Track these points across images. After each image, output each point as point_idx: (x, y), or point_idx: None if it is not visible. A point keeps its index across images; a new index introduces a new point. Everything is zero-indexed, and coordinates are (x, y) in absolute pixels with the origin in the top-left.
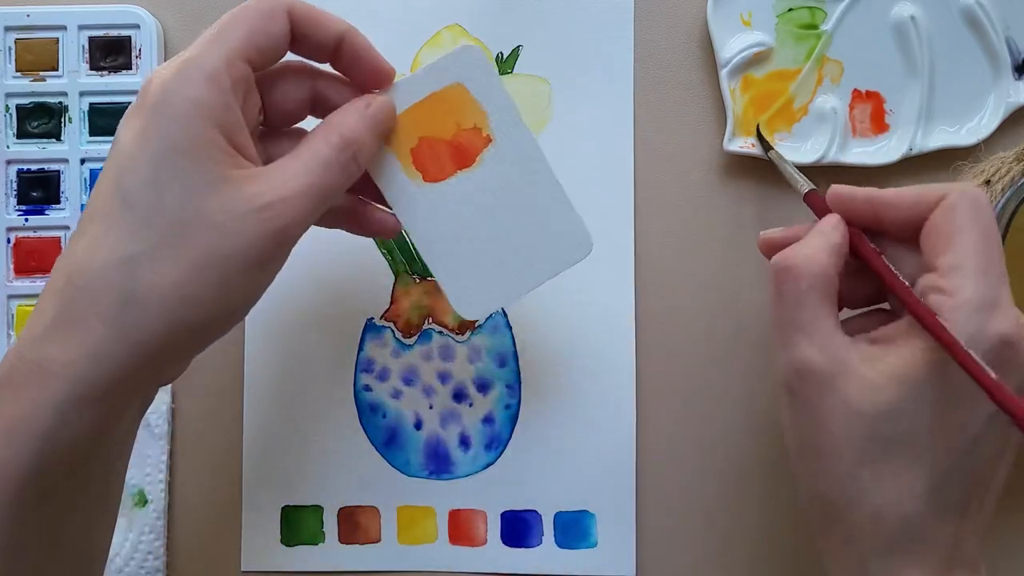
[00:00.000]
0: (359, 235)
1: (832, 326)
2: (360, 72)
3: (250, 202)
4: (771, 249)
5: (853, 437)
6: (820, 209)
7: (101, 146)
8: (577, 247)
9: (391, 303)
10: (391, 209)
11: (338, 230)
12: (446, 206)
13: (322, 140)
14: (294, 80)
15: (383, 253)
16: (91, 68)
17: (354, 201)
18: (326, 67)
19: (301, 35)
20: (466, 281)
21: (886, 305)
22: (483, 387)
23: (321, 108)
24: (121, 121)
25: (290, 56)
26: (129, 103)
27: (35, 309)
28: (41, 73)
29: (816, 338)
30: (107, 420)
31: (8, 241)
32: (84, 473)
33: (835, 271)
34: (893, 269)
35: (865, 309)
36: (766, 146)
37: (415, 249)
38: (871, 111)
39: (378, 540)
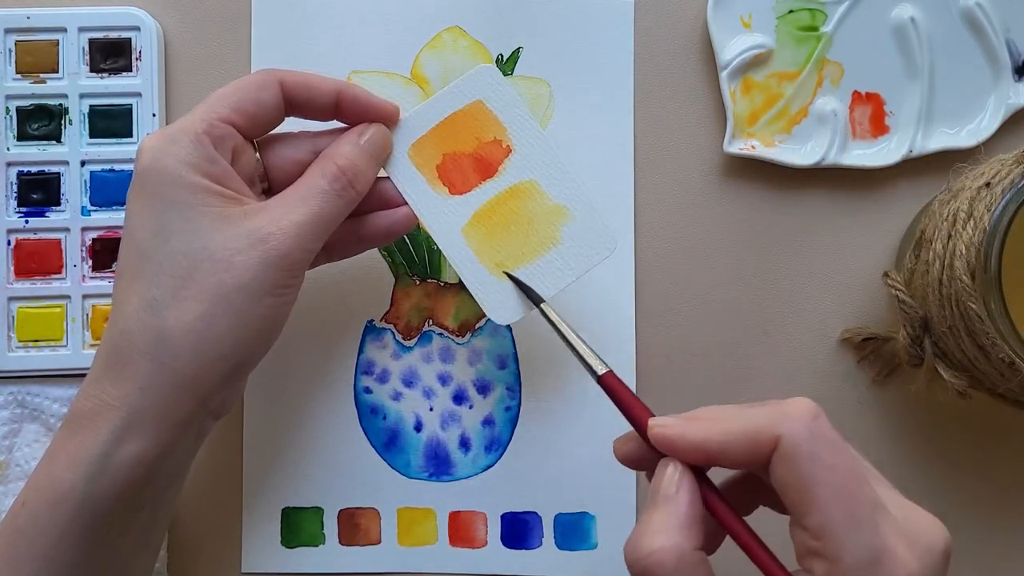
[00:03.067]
0: (377, 246)
1: None
2: (363, 119)
3: (251, 235)
4: (626, 459)
5: None
6: (624, 401)
7: (101, 148)
8: (601, 246)
9: (391, 305)
10: (422, 222)
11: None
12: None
13: (318, 171)
14: (293, 143)
15: (383, 255)
16: (91, 70)
17: (355, 223)
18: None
19: (297, 102)
20: (496, 287)
21: None
22: (483, 389)
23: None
24: (128, 192)
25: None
26: (129, 105)
27: (94, 357)
28: (41, 75)
29: None
30: (158, 449)
31: (8, 243)
32: (135, 500)
33: (695, 546)
34: (757, 538)
35: None
36: (535, 298)
37: (448, 260)
38: (871, 113)
39: (378, 542)
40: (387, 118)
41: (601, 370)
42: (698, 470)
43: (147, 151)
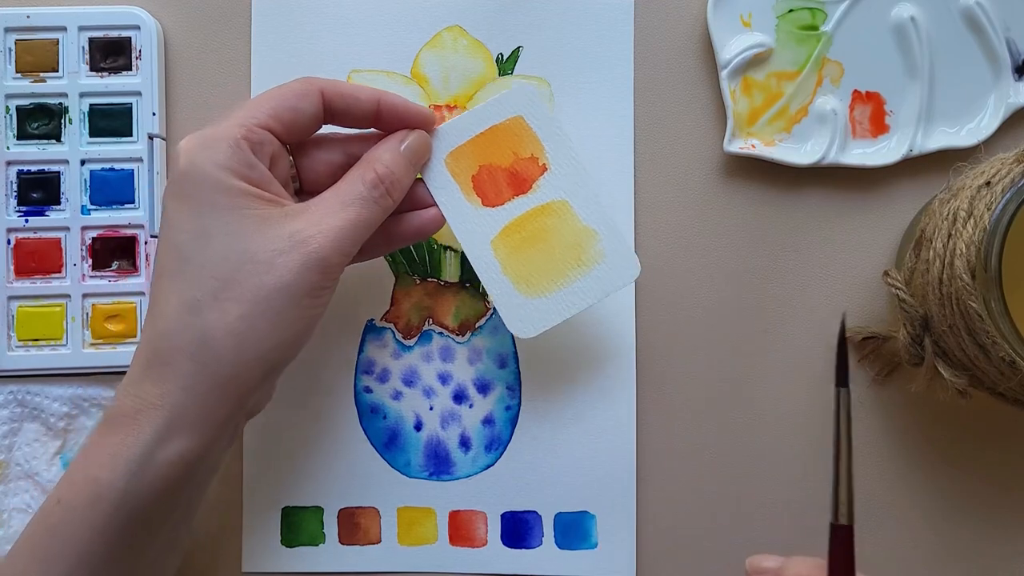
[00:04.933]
0: (405, 245)
1: None
2: (402, 127)
3: (292, 237)
4: None
5: None
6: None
7: (101, 147)
8: (625, 272)
9: (391, 304)
10: (453, 231)
11: None
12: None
13: (358, 177)
14: (325, 146)
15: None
16: (91, 69)
17: (386, 223)
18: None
19: (337, 111)
20: (519, 300)
21: None
22: (483, 388)
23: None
24: (164, 190)
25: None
26: (129, 104)
27: (132, 358)
28: (41, 74)
29: None
30: (198, 448)
31: (8, 242)
32: (172, 499)
33: None
34: None
35: None
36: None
37: (474, 269)
38: (871, 112)
39: (378, 541)
40: (425, 125)
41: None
42: None
43: (185, 154)
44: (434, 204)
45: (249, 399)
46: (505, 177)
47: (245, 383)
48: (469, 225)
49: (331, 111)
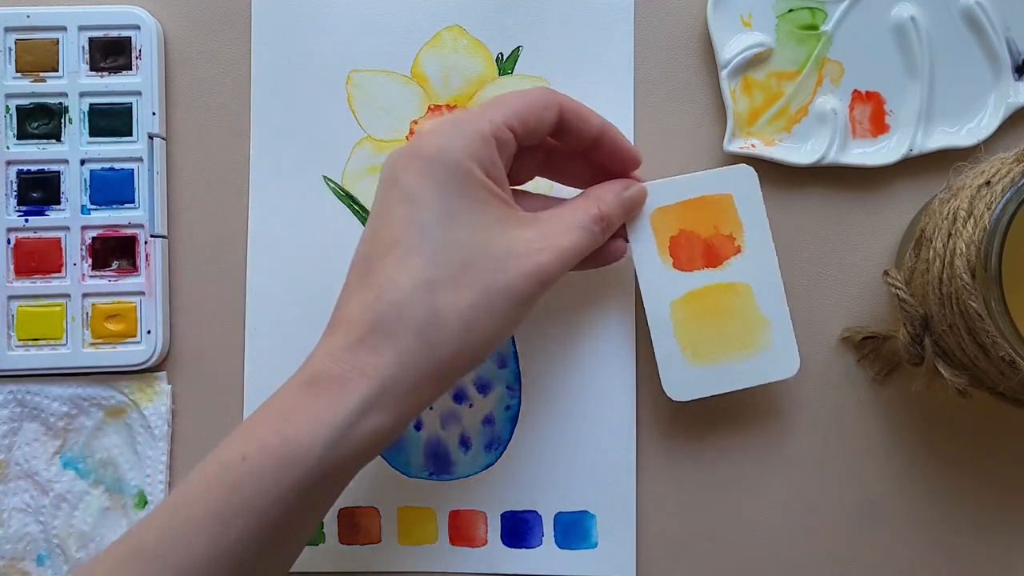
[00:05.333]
0: (580, 270)
1: None
2: (613, 160)
3: (527, 245)
4: None
5: None
6: None
7: (101, 146)
8: (785, 367)
9: None
10: (639, 281)
11: (338, 232)
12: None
13: (583, 209)
14: (533, 154)
15: None
16: (91, 69)
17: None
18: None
19: (567, 128)
20: (680, 365)
21: None
22: (483, 388)
23: (550, 172)
24: (392, 165)
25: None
26: (129, 104)
27: (340, 322)
28: (41, 74)
29: None
30: (396, 424)
31: (8, 242)
32: (354, 471)
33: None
34: None
35: None
36: None
37: (648, 323)
38: (871, 112)
39: (378, 541)
40: (634, 166)
41: None
42: None
43: (435, 136)
44: (622, 237)
45: (450, 387)
46: (701, 247)
47: (457, 370)
48: (656, 280)
49: (562, 127)
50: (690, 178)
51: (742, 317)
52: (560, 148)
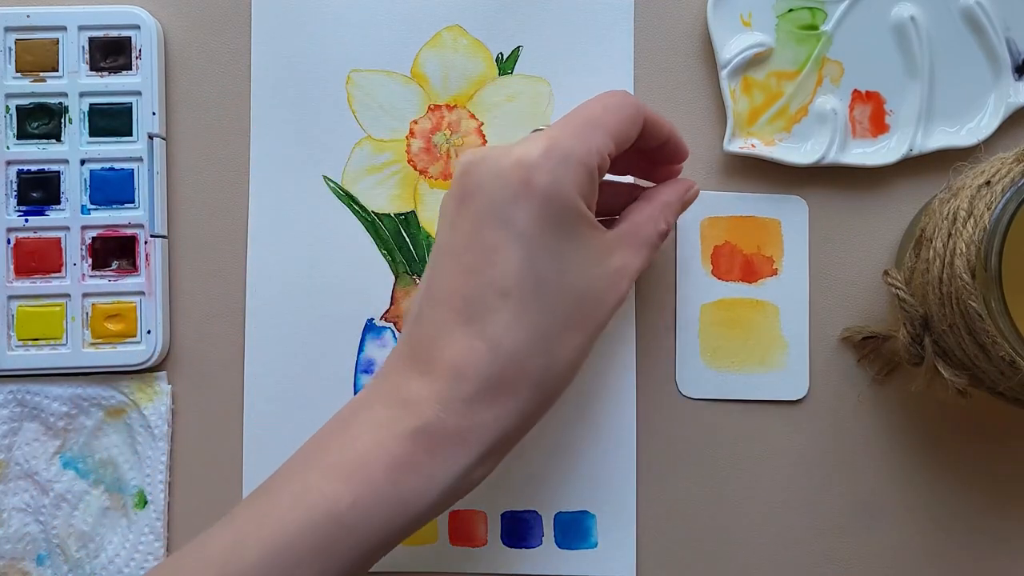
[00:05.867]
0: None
1: None
2: (669, 156)
3: (615, 274)
4: None
5: None
6: None
7: (101, 147)
8: (792, 389)
9: (391, 303)
10: (677, 280)
11: (338, 231)
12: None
13: (652, 223)
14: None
15: (383, 254)
16: (91, 69)
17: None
18: None
19: (643, 135)
20: (696, 365)
21: None
22: None
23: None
24: (500, 195)
25: None
26: (129, 103)
27: (447, 369)
28: (41, 74)
29: None
30: (494, 467)
31: (8, 242)
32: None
33: None
34: None
35: None
36: None
37: (676, 321)
38: (871, 112)
39: None
40: (683, 158)
41: None
42: None
43: (544, 172)
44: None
45: None
46: (741, 262)
47: (546, 411)
48: (692, 282)
49: (640, 135)
50: (747, 198)
51: (764, 335)
52: None
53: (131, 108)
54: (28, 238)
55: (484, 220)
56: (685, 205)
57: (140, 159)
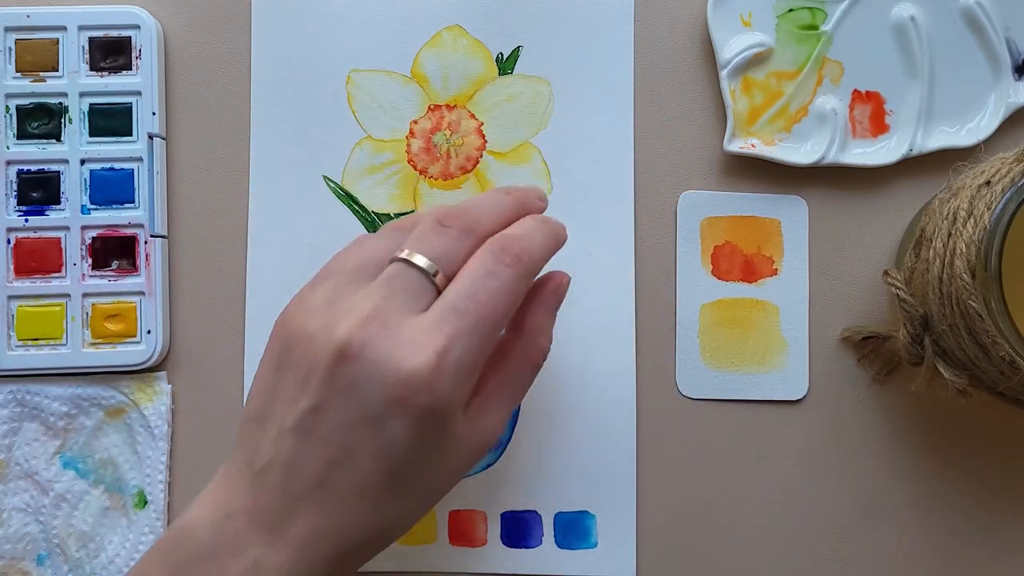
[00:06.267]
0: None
1: None
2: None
3: (476, 452)
4: None
5: None
6: None
7: (101, 146)
8: (792, 389)
9: None
10: (677, 279)
11: (338, 232)
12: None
13: (525, 361)
14: None
15: None
16: (91, 69)
17: None
18: None
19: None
20: (694, 364)
21: None
22: None
23: None
24: (377, 392)
25: None
26: (129, 103)
27: (303, 546)
28: (41, 74)
29: None
30: None
31: (8, 242)
32: None
33: None
34: None
35: None
36: None
37: (677, 320)
38: (871, 112)
39: None
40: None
41: None
42: None
43: (428, 393)
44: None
45: None
46: (741, 262)
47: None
48: (692, 281)
49: None
50: (747, 198)
51: (764, 335)
52: None
53: (131, 108)
54: (28, 238)
55: (353, 421)
56: (559, 300)
57: (140, 159)
